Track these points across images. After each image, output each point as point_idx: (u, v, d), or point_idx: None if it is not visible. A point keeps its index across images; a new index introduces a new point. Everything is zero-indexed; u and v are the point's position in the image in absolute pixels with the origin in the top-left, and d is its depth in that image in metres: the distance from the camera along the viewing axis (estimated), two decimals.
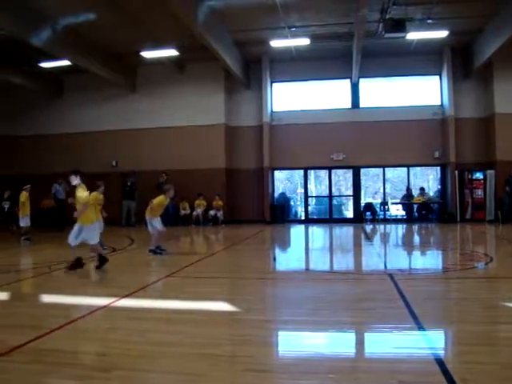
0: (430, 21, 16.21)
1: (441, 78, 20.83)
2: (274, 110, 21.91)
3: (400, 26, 15.19)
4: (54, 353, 4.28)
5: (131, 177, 20.41)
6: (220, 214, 20.24)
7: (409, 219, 21.12)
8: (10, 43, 17.18)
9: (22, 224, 14.68)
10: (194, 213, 20.44)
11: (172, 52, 18.18)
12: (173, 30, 16.52)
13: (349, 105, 21.42)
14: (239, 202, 21.46)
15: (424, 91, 21.19)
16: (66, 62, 18.47)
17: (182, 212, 20.24)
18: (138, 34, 17.31)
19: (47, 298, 6.89)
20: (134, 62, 21.00)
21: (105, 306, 6.00)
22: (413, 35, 16.74)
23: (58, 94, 22.86)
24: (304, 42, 17.85)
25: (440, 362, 3.88)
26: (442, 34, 17.07)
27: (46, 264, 9.82)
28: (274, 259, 11.08)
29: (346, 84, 21.43)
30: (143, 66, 21.34)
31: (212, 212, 20.31)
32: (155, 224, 11.40)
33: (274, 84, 21.99)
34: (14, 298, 6.96)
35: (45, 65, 19.16)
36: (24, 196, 14.71)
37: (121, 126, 21.78)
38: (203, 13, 14.88)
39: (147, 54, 18.45)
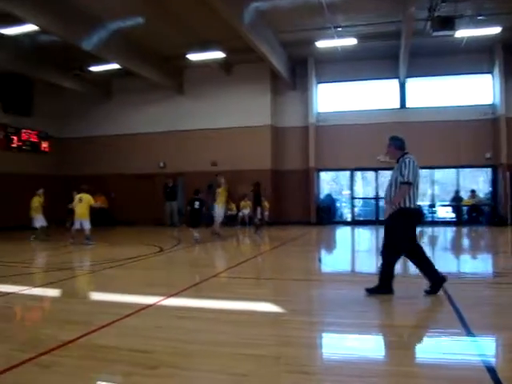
0: (480, 17, 15.72)
1: (492, 77, 20.17)
2: (319, 111, 21.77)
3: (448, 23, 14.79)
4: (103, 349, 4.40)
5: (172, 178, 20.72)
6: (266, 215, 20.26)
7: (458, 222, 20.56)
8: (62, 48, 17.73)
9: (37, 225, 15.09)
10: (240, 214, 20.54)
11: (218, 54, 18.34)
12: (219, 33, 16.67)
13: (396, 105, 21.06)
14: (285, 203, 21.42)
15: (474, 90, 20.56)
16: (114, 66, 18.93)
17: (228, 213, 20.36)
18: (184, 36, 17.55)
19: (97, 296, 7.09)
20: (180, 64, 21.30)
21: (152, 305, 6.12)
22: (462, 33, 16.27)
23: (107, 97, 23.46)
24: (350, 41, 17.65)
25: (491, 369, 3.76)
26: (494, 30, 16.51)
27: (97, 262, 10.09)
28: (320, 261, 11.01)
29: (393, 84, 21.09)
30: (190, 68, 21.62)
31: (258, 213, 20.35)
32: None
33: (319, 85, 21.86)
34: (65, 294, 7.19)
35: (94, 68, 19.70)
36: (37, 201, 15.12)
37: (168, 127, 22.14)
38: (249, 14, 14.95)
39: (194, 57, 18.66)
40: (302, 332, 4.96)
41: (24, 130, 21.32)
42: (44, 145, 22.53)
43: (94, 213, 21.54)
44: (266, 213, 20.21)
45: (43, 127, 22.40)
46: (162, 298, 6.45)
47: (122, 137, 22.84)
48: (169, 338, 4.75)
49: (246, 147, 20.99)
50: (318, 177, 21.98)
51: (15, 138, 20.89)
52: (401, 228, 6.24)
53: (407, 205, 6.22)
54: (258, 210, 17.24)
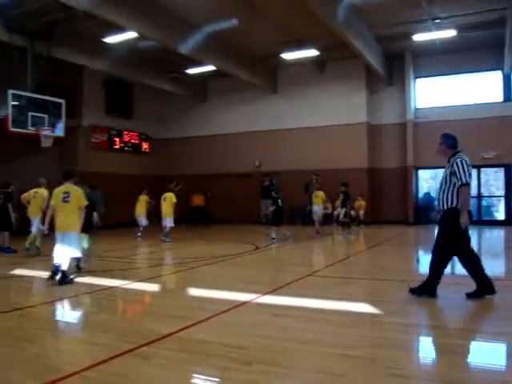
0: None
1: None
2: (417, 107, 20.99)
3: None
4: (200, 343, 4.52)
5: (267, 177, 20.86)
6: (361, 214, 19.88)
7: None
8: (160, 52, 18.52)
9: (143, 223, 15.94)
10: (335, 212, 20.28)
11: (312, 52, 18.22)
12: (313, 30, 16.56)
13: (499, 98, 19.81)
14: (381, 202, 20.90)
15: None
16: (209, 68, 19.42)
17: (324, 211, 20.16)
18: (278, 36, 17.63)
19: (195, 291, 7.30)
20: (274, 63, 21.43)
21: (248, 302, 6.20)
22: None
23: (203, 98, 24.14)
24: (450, 33, 16.82)
25: None
26: None
27: (195, 259, 10.39)
28: (418, 261, 10.60)
29: (496, 76, 19.84)
30: (284, 67, 21.70)
31: (353, 212, 20.01)
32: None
33: (417, 79, 21.07)
34: (164, 289, 7.48)
35: (191, 71, 20.32)
36: (143, 200, 15.95)
37: (263, 126, 22.37)
38: (343, 10, 14.70)
39: (288, 56, 18.69)
40: (398, 334, 4.80)
41: (125, 132, 22.49)
42: (144, 145, 23.63)
43: (191, 211, 22.49)
44: (362, 212, 19.83)
45: (142, 129, 23.53)
46: (257, 295, 6.52)
47: (218, 137, 23.40)
48: (264, 335, 4.78)
49: (342, 146, 20.70)
50: (416, 175, 21.20)
51: (117, 139, 22.09)
52: (453, 229, 6.04)
53: (456, 205, 6.02)
54: (343, 210, 16.93)
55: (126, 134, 22.57)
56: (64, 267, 7.66)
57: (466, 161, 6.04)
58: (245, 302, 6.16)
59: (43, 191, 12.02)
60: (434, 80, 20.95)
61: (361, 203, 19.86)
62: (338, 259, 10.50)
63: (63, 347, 4.62)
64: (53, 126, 15.56)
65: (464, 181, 5.95)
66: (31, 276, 8.82)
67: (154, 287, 7.68)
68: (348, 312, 5.72)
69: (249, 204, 22.03)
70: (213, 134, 23.54)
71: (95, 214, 10.22)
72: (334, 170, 20.23)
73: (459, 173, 5.98)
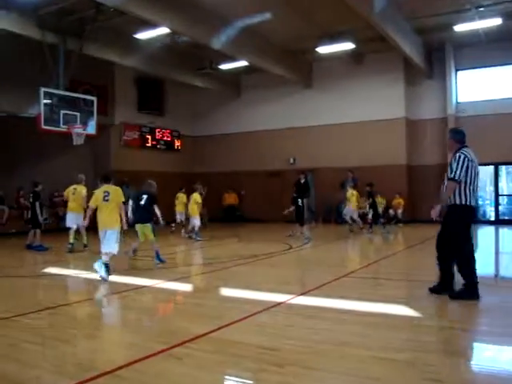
0: None
1: None
2: (459, 101, 20.60)
3: None
4: (233, 344, 4.57)
5: (303, 174, 20.77)
6: (400, 212, 19.64)
7: None
8: (192, 48, 18.70)
9: (181, 218, 16.36)
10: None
11: (348, 45, 18.08)
12: (348, 23, 16.43)
13: None
14: (420, 200, 20.57)
15: None
16: (242, 63, 19.50)
17: (361, 211, 19.98)
18: (313, 29, 17.56)
19: (228, 291, 7.36)
20: (309, 58, 21.36)
21: (282, 303, 6.22)
22: None
23: (236, 94, 24.25)
24: (494, 22, 16.40)
25: None
26: None
27: (228, 259, 10.47)
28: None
29: None
30: (319, 61, 21.60)
31: (391, 211, 19.80)
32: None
33: (458, 72, 20.67)
34: (197, 289, 7.58)
35: (223, 66, 20.46)
36: (181, 198, 16.41)
37: (297, 122, 22.32)
38: (380, 2, 14.55)
39: (323, 50, 18.60)
40: (439, 338, 4.75)
41: (158, 129, 22.78)
42: (177, 143, 23.90)
43: (224, 210, 22.65)
44: (400, 210, 19.59)
45: (175, 126, 23.80)
46: (291, 296, 6.54)
47: (251, 134, 23.46)
48: (298, 336, 4.81)
49: (380, 142, 20.48)
50: None
51: (149, 136, 22.40)
52: (455, 225, 6.28)
53: (458, 201, 6.20)
54: (371, 210, 16.68)
55: (158, 132, 22.87)
56: (106, 261, 8.16)
57: (466, 156, 6.18)
58: (278, 303, 6.18)
59: (82, 188, 12.63)
60: (476, 72, 20.49)
61: (399, 201, 19.62)
62: (374, 259, 10.42)
63: (96, 346, 4.74)
64: (84, 123, 15.89)
65: (453, 175, 6.15)
66: (64, 274, 9.06)
67: (186, 287, 7.79)
68: (384, 314, 5.69)
69: (283, 202, 22.01)
70: (246, 131, 23.62)
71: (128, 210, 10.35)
72: (371, 168, 20.04)
73: (453, 166, 6.19)
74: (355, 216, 16.55)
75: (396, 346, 4.49)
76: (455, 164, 6.20)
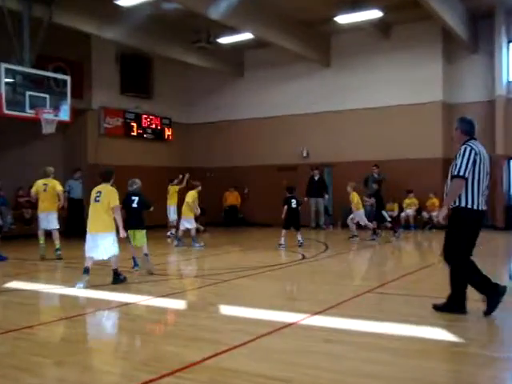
0: None
1: None
2: (510, 80, 20.50)
3: None
4: (233, 373, 4.55)
5: (318, 170, 20.77)
6: (435, 215, 19.52)
7: None
8: (187, 18, 18.65)
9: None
10: (403, 214, 20.05)
11: (374, 13, 17.95)
12: None
13: None
14: None
15: None
16: (246, 36, 19.43)
17: (389, 213, 19.98)
18: None
19: (228, 309, 7.35)
20: (326, 30, 21.25)
21: (293, 323, 6.21)
22: None
23: (238, 74, 24.17)
24: None
25: None
26: None
27: (229, 270, 10.45)
28: (511, 278, 10.38)
29: None
30: (338, 34, 21.50)
31: (425, 213, 19.74)
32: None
33: (511, 44, 20.57)
34: (191, 306, 7.56)
35: (223, 40, 20.38)
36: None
37: (312, 108, 22.24)
38: None
39: (343, 19, 18.48)
40: (479, 369, 4.71)
41: (144, 116, 22.79)
42: (167, 132, 23.89)
43: (224, 212, 22.65)
44: (435, 213, 19.46)
45: (165, 112, 23.79)
46: (304, 315, 6.54)
47: (257, 121, 23.43)
48: (312, 364, 4.78)
49: (410, 130, 20.38)
50: (509, 167, 20.71)
51: (135, 124, 22.40)
52: (457, 232, 6.51)
53: (464, 204, 6.37)
54: (383, 212, 16.63)
55: (145, 118, 22.87)
56: (114, 266, 9.09)
57: (473, 149, 6.32)
58: (289, 324, 6.17)
59: (55, 182, 12.79)
60: None
61: (433, 202, 19.53)
62: (404, 272, 10.36)
63: (67, 376, 4.71)
64: (56, 108, 15.85)
65: (457, 172, 6.30)
66: (30, 289, 9.05)
67: (178, 304, 7.77)
68: (416, 338, 5.66)
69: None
70: (250, 118, 23.60)
71: None
72: (400, 161, 19.98)
73: (458, 162, 6.33)
74: (364, 221, 16.58)
75: (429, 377, 4.45)
76: (460, 158, 6.33)
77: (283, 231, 14.68)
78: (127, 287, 8.94)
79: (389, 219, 16.79)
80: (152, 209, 11.28)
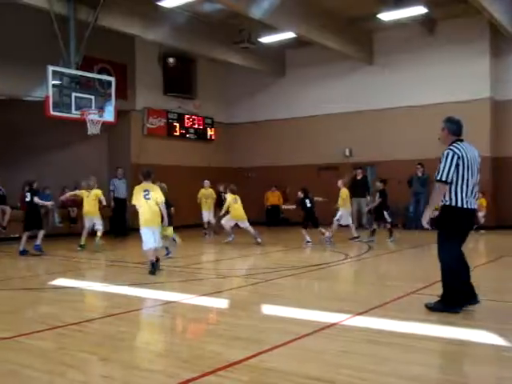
0: None
1: None
2: None
3: None
4: (275, 373, 4.50)
5: (361, 169, 20.53)
6: (482, 216, 19.12)
7: None
8: (229, 18, 18.73)
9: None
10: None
11: (419, 10, 17.69)
12: None
13: None
14: (509, 201, 20.02)
15: None
16: (288, 35, 19.40)
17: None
18: None
19: (270, 309, 7.32)
20: (369, 27, 21.04)
21: (335, 324, 6.14)
22: None
23: (280, 73, 24.12)
24: None
25: None
26: None
27: (271, 270, 10.42)
28: None
29: None
30: (381, 31, 21.27)
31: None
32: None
33: None
34: (233, 306, 7.54)
35: (265, 39, 20.40)
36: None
37: (355, 106, 22.04)
38: None
39: (387, 16, 18.26)
40: None
41: (187, 116, 22.93)
42: (210, 132, 24.01)
43: (266, 211, 22.62)
44: (482, 213, 19.09)
45: (208, 111, 23.90)
46: (347, 316, 6.46)
47: (298, 120, 23.35)
48: (355, 365, 4.70)
49: None
50: None
51: (177, 124, 22.56)
52: (445, 230, 6.57)
53: (452, 203, 6.43)
54: (385, 213, 16.12)
55: (188, 119, 23.03)
56: (153, 257, 10.08)
57: (455, 154, 6.36)
58: (332, 324, 6.10)
59: (97, 191, 14.37)
60: None
61: (481, 202, 19.11)
62: None
63: (111, 373, 4.74)
64: (101, 109, 16.07)
65: (439, 177, 6.41)
66: (76, 287, 9.20)
67: (221, 303, 7.76)
68: (464, 342, 5.51)
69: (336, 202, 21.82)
70: (292, 117, 23.53)
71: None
72: None
73: (440, 167, 6.43)
74: (348, 221, 16.23)
75: (476, 382, 4.32)
76: (443, 163, 6.41)
77: (303, 230, 15.21)
78: (171, 285, 9.02)
79: (389, 220, 16.22)
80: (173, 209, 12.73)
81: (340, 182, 16.30)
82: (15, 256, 13.47)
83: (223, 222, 15.84)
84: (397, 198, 19.57)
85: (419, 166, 18.74)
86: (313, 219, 15.39)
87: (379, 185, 16.20)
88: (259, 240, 15.17)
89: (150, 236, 9.96)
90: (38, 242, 13.42)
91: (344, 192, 16.11)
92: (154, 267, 9.97)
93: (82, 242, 14.26)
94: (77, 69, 15.83)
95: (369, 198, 20.12)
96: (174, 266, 11.28)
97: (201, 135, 23.58)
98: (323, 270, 10.72)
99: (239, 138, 24.85)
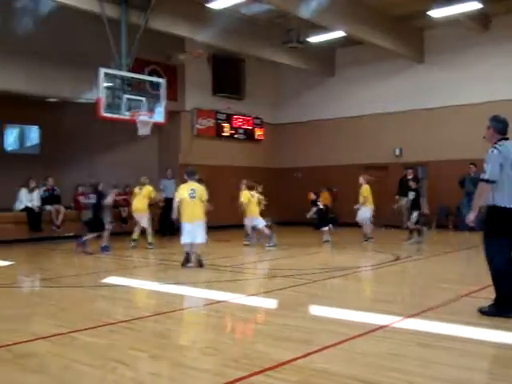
0: None
1: None
2: None
3: None
4: (324, 374, 4.48)
5: (412, 169, 20.22)
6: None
7: None
8: (277, 18, 18.75)
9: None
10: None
11: (472, 5, 17.28)
12: None
13: None
14: None
15: None
16: (337, 34, 19.29)
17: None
18: None
19: (319, 310, 7.31)
20: (420, 25, 20.71)
21: (386, 326, 6.09)
22: None
23: (329, 73, 23.99)
24: None
25: None
26: None
27: (319, 270, 10.38)
28: None
29: None
30: (432, 28, 20.91)
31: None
32: None
33: None
34: (282, 306, 7.53)
35: (314, 39, 20.33)
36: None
37: (405, 106, 21.73)
38: None
39: (438, 13, 17.93)
40: None
41: (236, 116, 23.04)
42: (258, 132, 24.06)
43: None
44: None
45: (256, 111, 23.97)
46: (398, 318, 6.40)
47: (348, 120, 23.18)
48: (404, 369, 4.65)
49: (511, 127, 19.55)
50: None
51: (226, 124, 22.68)
52: (491, 231, 6.48)
53: (497, 203, 6.35)
54: (415, 213, 15.44)
55: (237, 119, 23.14)
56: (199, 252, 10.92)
57: (500, 153, 6.26)
58: (381, 327, 6.05)
59: (149, 188, 14.83)
60: None
61: None
62: None
63: (160, 370, 4.80)
64: (151, 110, 16.27)
65: (484, 176, 6.36)
66: (127, 285, 9.36)
67: (269, 303, 7.77)
68: None
69: (386, 203, 21.56)
70: (341, 117, 23.37)
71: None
72: None
73: (485, 166, 6.40)
74: (366, 220, 15.95)
75: None
76: (487, 162, 6.35)
77: (324, 229, 15.69)
78: (221, 285, 9.08)
79: (415, 221, 15.72)
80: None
81: (361, 179, 16.09)
82: (69, 254, 13.80)
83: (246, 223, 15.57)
84: (448, 199, 19.31)
85: (472, 166, 18.35)
86: (326, 219, 15.88)
87: (412, 183, 15.83)
88: (250, 241, 15.22)
89: (190, 231, 10.64)
90: (105, 242, 13.83)
91: (366, 189, 15.86)
92: (188, 261, 10.87)
93: (135, 237, 14.67)
94: (128, 71, 16.05)
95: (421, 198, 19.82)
96: (220, 265, 11.36)
97: (249, 136, 23.65)
98: (372, 271, 10.64)
99: (287, 138, 24.82)
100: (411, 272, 11.20)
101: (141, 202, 14.62)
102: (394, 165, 21.66)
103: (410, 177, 19.17)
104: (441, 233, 19.05)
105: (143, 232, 14.80)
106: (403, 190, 19.58)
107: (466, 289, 8.40)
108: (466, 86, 20.34)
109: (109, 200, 14.00)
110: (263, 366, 4.64)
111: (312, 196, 15.73)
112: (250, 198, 15.16)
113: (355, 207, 15.82)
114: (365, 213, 15.74)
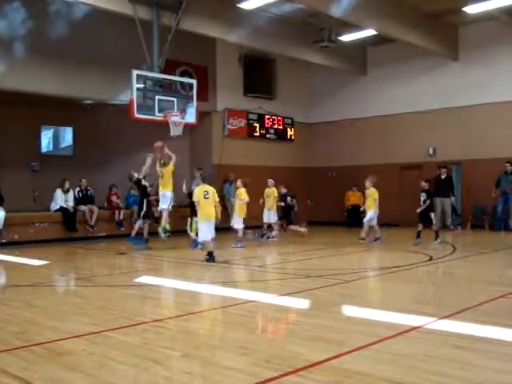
0: None
1: None
2: None
3: None
4: (357, 375, 4.45)
5: (446, 168, 20.00)
6: None
7: None
8: (308, 17, 18.70)
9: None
10: None
11: (509, 0, 17.02)
12: None
13: None
14: None
15: None
16: (369, 32, 19.21)
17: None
18: None
19: (351, 310, 7.27)
20: (454, 21, 20.44)
21: (419, 327, 6.01)
22: None
23: (361, 71, 23.84)
24: None
25: None
26: None
27: (351, 270, 10.34)
28: None
29: None
30: (467, 25, 20.62)
31: None
32: None
33: None
34: (314, 306, 7.51)
35: (345, 38, 20.28)
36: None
37: (438, 104, 21.46)
38: None
39: (473, 9, 17.70)
40: None
41: (267, 116, 23.03)
42: (290, 132, 24.03)
43: (347, 212, 22.42)
44: None
45: (287, 111, 23.94)
46: (431, 319, 6.33)
47: (380, 119, 22.99)
48: (439, 371, 4.58)
49: None
50: None
51: (257, 125, 22.71)
52: None
53: None
54: (432, 214, 15.15)
55: (268, 119, 23.13)
56: (211, 249, 11.79)
57: None
58: (415, 327, 5.98)
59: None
60: None
61: None
62: None
63: (192, 369, 4.82)
64: (183, 110, 16.37)
65: None
66: (160, 285, 9.46)
67: (301, 303, 7.76)
68: None
69: (419, 203, 21.35)
70: (373, 116, 23.21)
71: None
72: None
73: None
74: (372, 223, 15.64)
75: None
76: None
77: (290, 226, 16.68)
78: (253, 285, 9.10)
79: (435, 222, 15.36)
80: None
81: (368, 182, 15.84)
82: (102, 254, 13.98)
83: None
84: (484, 198, 19.03)
85: (508, 165, 18.07)
86: (288, 216, 16.94)
87: (424, 184, 15.36)
88: (239, 245, 14.94)
89: (206, 228, 11.70)
90: (145, 234, 14.93)
91: (374, 192, 15.61)
92: (211, 256, 11.67)
93: (168, 228, 14.77)
94: (160, 72, 16.17)
95: (453, 198, 19.55)
96: (252, 265, 11.39)
97: (281, 135, 23.63)
98: (405, 271, 10.53)
99: (319, 138, 24.75)
100: (445, 273, 11.08)
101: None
102: (427, 164, 21.42)
103: (443, 176, 18.97)
104: (476, 233, 18.80)
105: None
106: (440, 190, 19.35)
107: (502, 290, 8.27)
108: (502, 84, 20.02)
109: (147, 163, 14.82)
110: (295, 366, 4.62)
111: (282, 190, 16.72)
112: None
113: (361, 209, 15.82)
114: (369, 214, 15.59)
